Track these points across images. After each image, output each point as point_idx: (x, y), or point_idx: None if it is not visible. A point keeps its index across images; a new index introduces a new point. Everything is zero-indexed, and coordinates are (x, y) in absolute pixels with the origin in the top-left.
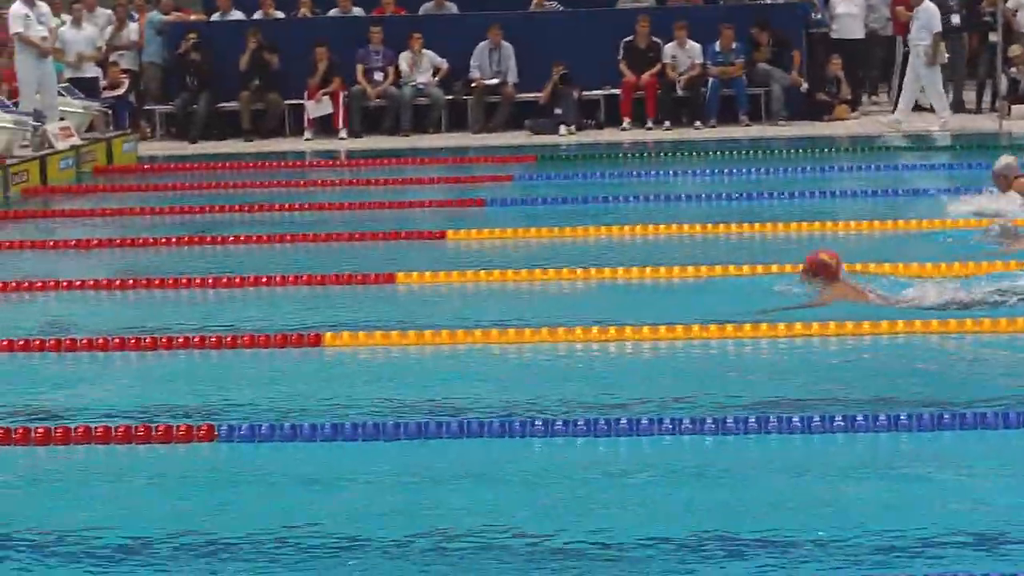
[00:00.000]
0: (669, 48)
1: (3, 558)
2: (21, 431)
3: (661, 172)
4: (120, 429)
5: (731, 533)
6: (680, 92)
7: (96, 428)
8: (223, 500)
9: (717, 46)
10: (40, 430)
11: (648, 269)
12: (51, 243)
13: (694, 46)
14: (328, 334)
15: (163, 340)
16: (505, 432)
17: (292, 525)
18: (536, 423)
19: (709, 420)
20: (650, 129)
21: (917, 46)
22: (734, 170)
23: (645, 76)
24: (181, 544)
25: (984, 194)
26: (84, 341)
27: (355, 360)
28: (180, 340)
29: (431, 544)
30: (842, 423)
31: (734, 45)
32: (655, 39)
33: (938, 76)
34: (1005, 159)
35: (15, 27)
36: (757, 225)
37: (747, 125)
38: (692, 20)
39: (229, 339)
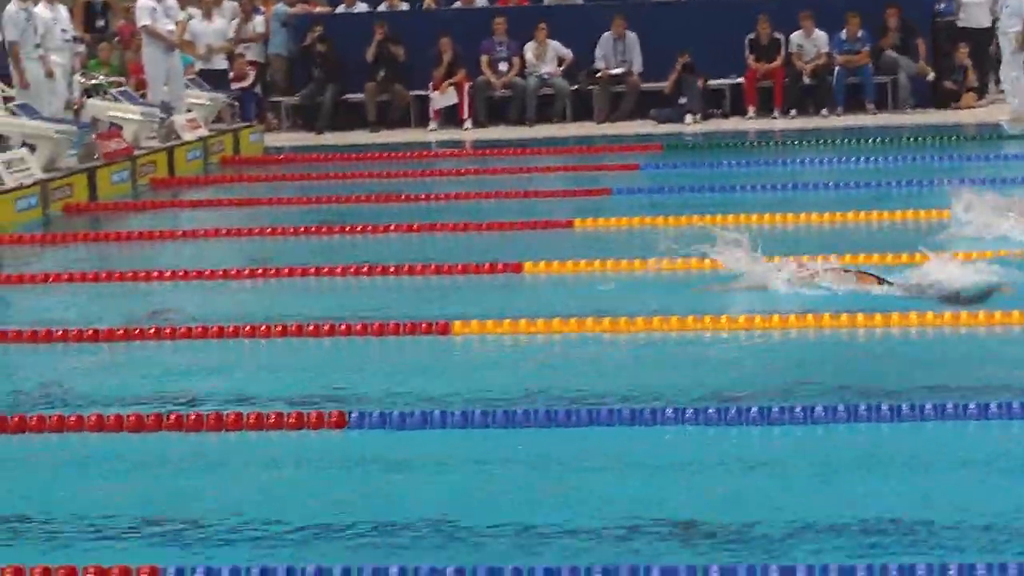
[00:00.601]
0: (795, 37)
1: (147, 541)
2: (153, 417)
3: (787, 161)
4: (252, 416)
5: (873, 520)
6: (806, 81)
7: (228, 415)
8: (354, 487)
9: (843, 34)
10: (172, 417)
11: (776, 258)
12: (179, 233)
13: (820, 35)
14: (457, 322)
15: (292, 328)
16: (635, 420)
17: (423, 512)
18: (667, 411)
19: (840, 408)
20: (776, 118)
21: (1007, 33)
22: (861, 158)
23: (771, 65)
24: (312, 529)
25: None
26: (214, 329)
27: (483, 348)
28: (310, 328)
29: (561, 528)
30: None
31: (860, 33)
32: (776, 35)
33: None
34: None
35: (142, 20)
36: (885, 213)
37: (874, 113)
38: (818, 9)
39: (359, 327)
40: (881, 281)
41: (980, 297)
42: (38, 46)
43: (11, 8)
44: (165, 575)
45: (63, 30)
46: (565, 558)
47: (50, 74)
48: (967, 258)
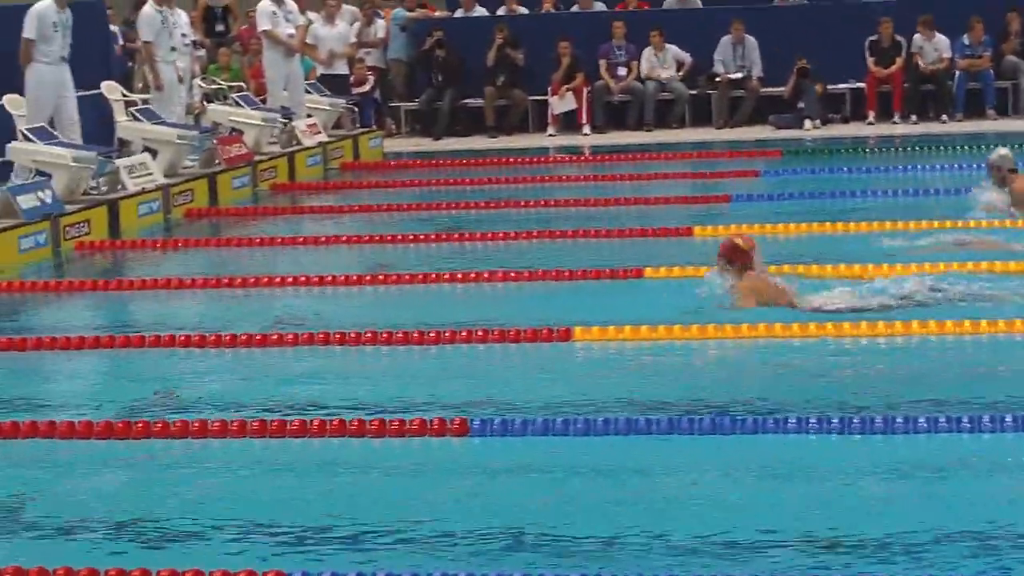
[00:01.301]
0: (917, 39)
1: (269, 546)
2: (277, 423)
3: (907, 166)
4: (374, 423)
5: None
6: (927, 85)
7: (350, 421)
8: (476, 494)
9: (966, 39)
10: (295, 423)
11: (898, 266)
12: (300, 239)
13: (941, 39)
14: (577, 328)
15: (414, 335)
16: (758, 428)
17: (546, 519)
18: (789, 420)
19: (965, 418)
20: (896, 123)
21: None
22: (981, 164)
23: (890, 70)
24: (434, 536)
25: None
26: (336, 336)
27: (605, 354)
28: (431, 335)
29: (692, 538)
30: None
31: (984, 38)
32: (899, 37)
33: None
34: (1000, 151)
35: (263, 24)
36: (1007, 222)
37: (994, 119)
38: (939, 12)
39: (479, 333)
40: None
41: None
42: (174, 49)
43: (148, 10)
44: None
45: (183, 34)
46: (701, 568)
47: (180, 79)
48: None
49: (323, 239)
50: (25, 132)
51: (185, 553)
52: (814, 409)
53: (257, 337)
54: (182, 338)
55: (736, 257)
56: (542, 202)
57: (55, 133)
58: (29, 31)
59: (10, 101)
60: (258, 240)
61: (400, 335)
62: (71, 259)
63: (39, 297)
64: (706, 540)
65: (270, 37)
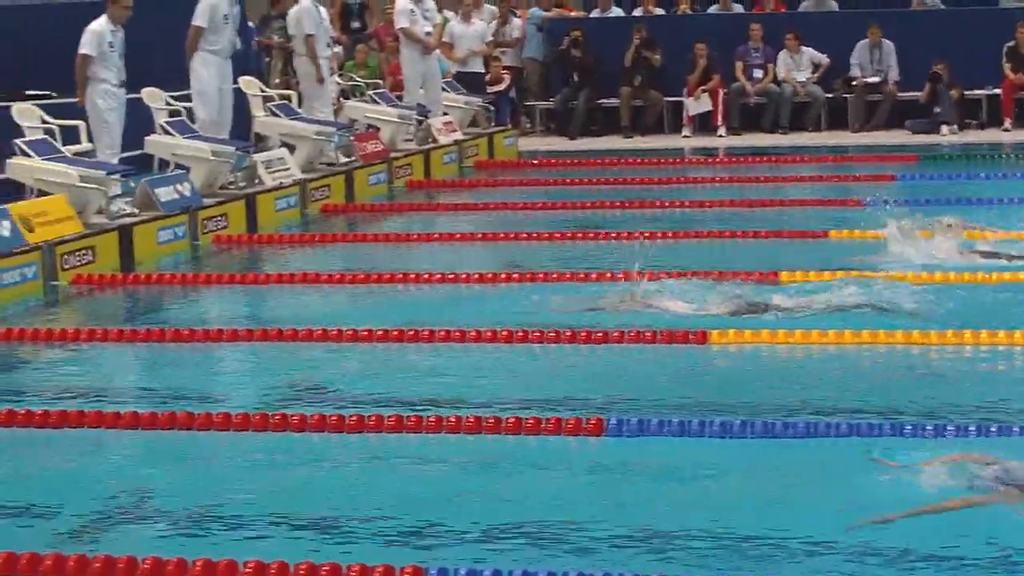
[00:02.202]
0: None
1: (407, 541)
2: (414, 419)
3: None
4: (510, 420)
5: None
6: None
7: (486, 419)
8: (611, 493)
9: None
10: (432, 419)
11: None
12: (435, 236)
13: None
14: (714, 332)
15: (550, 334)
16: (895, 432)
17: (682, 520)
18: (926, 427)
19: None
20: None
21: None
22: None
23: None
24: (568, 535)
25: None
26: (472, 333)
27: (741, 357)
28: (566, 334)
29: (837, 541)
30: None
31: None
32: None
33: None
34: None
35: (400, 22)
36: None
37: None
38: None
39: (616, 334)
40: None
41: None
42: (328, 45)
43: (307, 4)
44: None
45: (326, 30)
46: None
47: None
48: None
49: (457, 236)
50: (164, 125)
51: (322, 546)
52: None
53: (393, 333)
54: (318, 332)
55: None
56: (676, 203)
57: (194, 127)
58: (200, 19)
59: (148, 94)
60: (393, 236)
61: (536, 334)
62: (208, 252)
63: (177, 289)
64: (847, 541)
65: (407, 35)
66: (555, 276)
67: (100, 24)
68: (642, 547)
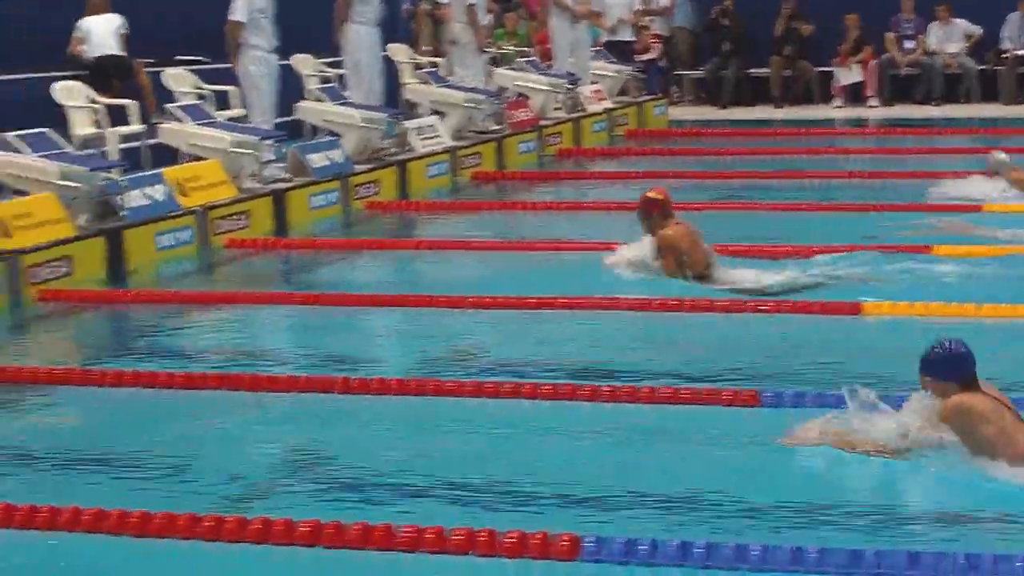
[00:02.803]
0: None
1: (565, 509)
2: (568, 388)
3: None
4: (665, 390)
5: None
6: None
7: (642, 388)
8: (762, 465)
9: None
10: (587, 388)
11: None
12: (585, 204)
13: None
14: (867, 303)
15: (702, 302)
16: None
17: (825, 496)
18: None
19: None
20: None
21: None
22: None
23: None
24: (715, 504)
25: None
26: (623, 302)
27: (895, 330)
28: (720, 303)
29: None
30: None
31: None
32: None
33: None
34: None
35: None
36: None
37: None
38: None
39: (770, 305)
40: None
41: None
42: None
43: None
44: (583, 543)
45: None
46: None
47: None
48: None
49: (606, 205)
50: (315, 91)
51: (478, 512)
52: None
53: (545, 299)
54: (470, 299)
55: (650, 207)
56: (826, 173)
57: (344, 94)
58: None
59: (299, 61)
60: (542, 204)
61: (688, 303)
62: (360, 218)
63: (328, 254)
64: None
65: (557, 3)
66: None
67: None
68: (802, 519)
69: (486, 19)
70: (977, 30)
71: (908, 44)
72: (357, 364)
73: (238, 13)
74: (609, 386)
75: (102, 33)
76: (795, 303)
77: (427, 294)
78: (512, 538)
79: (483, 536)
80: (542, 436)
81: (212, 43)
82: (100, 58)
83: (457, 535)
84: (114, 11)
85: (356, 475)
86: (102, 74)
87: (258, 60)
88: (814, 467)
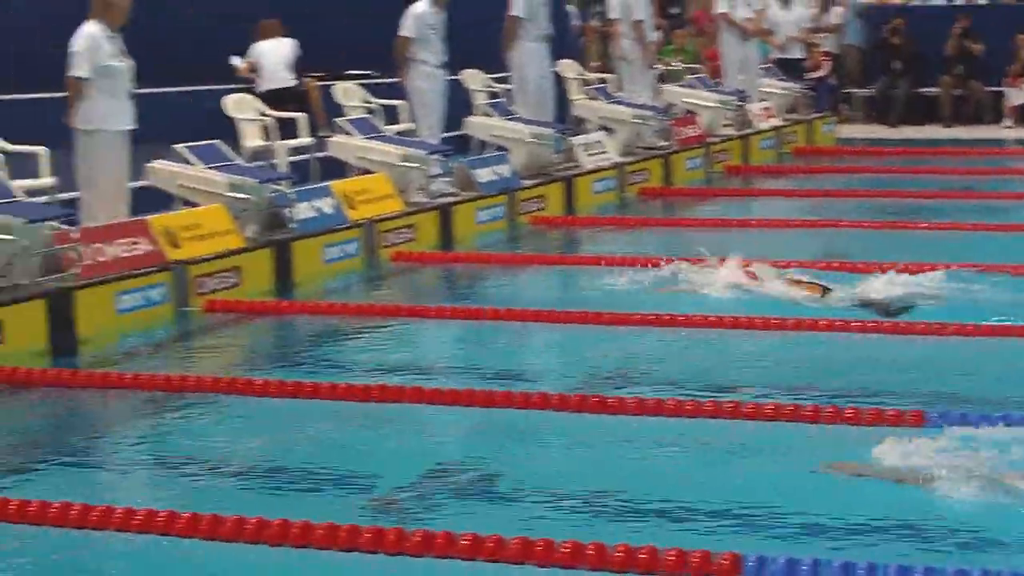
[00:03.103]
0: None
1: (728, 528)
2: (730, 405)
3: None
4: (829, 409)
5: None
6: None
7: (805, 408)
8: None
9: None
10: (770, 407)
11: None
12: (752, 221)
13: None
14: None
15: (869, 324)
16: None
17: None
18: None
19: None
20: None
21: None
22: None
23: None
24: (880, 530)
25: None
26: (791, 322)
27: None
28: (886, 325)
29: None
30: None
31: None
32: None
33: None
34: None
35: (721, 7)
36: None
37: None
38: None
39: (936, 326)
40: (825, 291)
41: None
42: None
43: None
44: (745, 562)
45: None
46: None
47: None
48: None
49: (774, 223)
50: (483, 106)
51: (637, 527)
52: None
53: (710, 318)
54: (636, 317)
55: None
56: (995, 194)
57: (512, 109)
58: (517, 8)
59: (468, 76)
60: (709, 221)
61: (856, 324)
62: (526, 233)
63: (494, 269)
64: None
65: (727, 20)
66: (876, 267)
67: (422, 6)
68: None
69: (655, 35)
70: None
71: None
72: (519, 378)
73: (407, 29)
74: (772, 404)
75: (274, 61)
76: (962, 326)
77: (592, 311)
78: (671, 556)
79: (643, 554)
80: (703, 453)
81: (381, 58)
82: (271, 91)
83: (617, 551)
84: (285, 29)
85: (514, 488)
86: (274, 100)
87: (426, 75)
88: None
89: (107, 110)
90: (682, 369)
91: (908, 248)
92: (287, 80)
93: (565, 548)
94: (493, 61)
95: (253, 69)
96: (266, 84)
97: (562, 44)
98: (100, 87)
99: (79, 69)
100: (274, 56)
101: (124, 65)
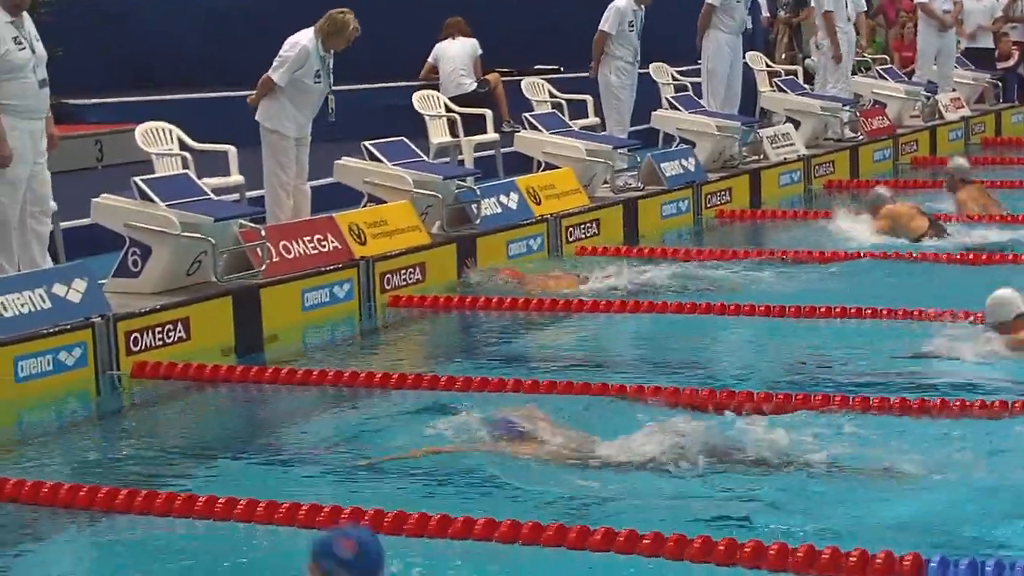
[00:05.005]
0: None
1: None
2: (899, 401)
3: None
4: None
5: None
6: None
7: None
8: None
9: None
10: (959, 402)
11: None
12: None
13: None
14: None
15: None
16: None
17: None
18: None
19: None
20: None
21: None
22: None
23: None
24: None
25: None
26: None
27: None
28: None
29: None
30: None
31: None
32: None
33: None
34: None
35: None
36: None
37: None
38: None
39: None
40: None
41: None
42: (849, 19)
43: None
44: (928, 564)
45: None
46: None
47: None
48: None
49: (953, 217)
50: (670, 99)
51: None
52: None
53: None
54: (837, 310)
55: None
56: None
57: (700, 101)
58: None
59: (656, 69)
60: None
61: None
62: (711, 226)
63: (679, 264)
64: None
65: (926, 11)
66: None
67: (624, 2)
68: None
69: (848, 26)
70: None
71: None
72: (709, 375)
73: (607, 24)
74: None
75: (454, 65)
76: None
77: (786, 304)
78: (854, 557)
79: (826, 554)
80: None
81: (568, 52)
82: (454, 98)
83: (798, 553)
84: (471, 26)
85: (705, 489)
86: (458, 103)
87: (620, 70)
88: None
89: (290, 118)
90: (867, 363)
91: None
92: (466, 86)
93: (748, 547)
94: (681, 54)
95: (434, 71)
96: (446, 91)
97: (751, 36)
98: (290, 97)
99: (278, 75)
100: (454, 59)
101: (321, 87)
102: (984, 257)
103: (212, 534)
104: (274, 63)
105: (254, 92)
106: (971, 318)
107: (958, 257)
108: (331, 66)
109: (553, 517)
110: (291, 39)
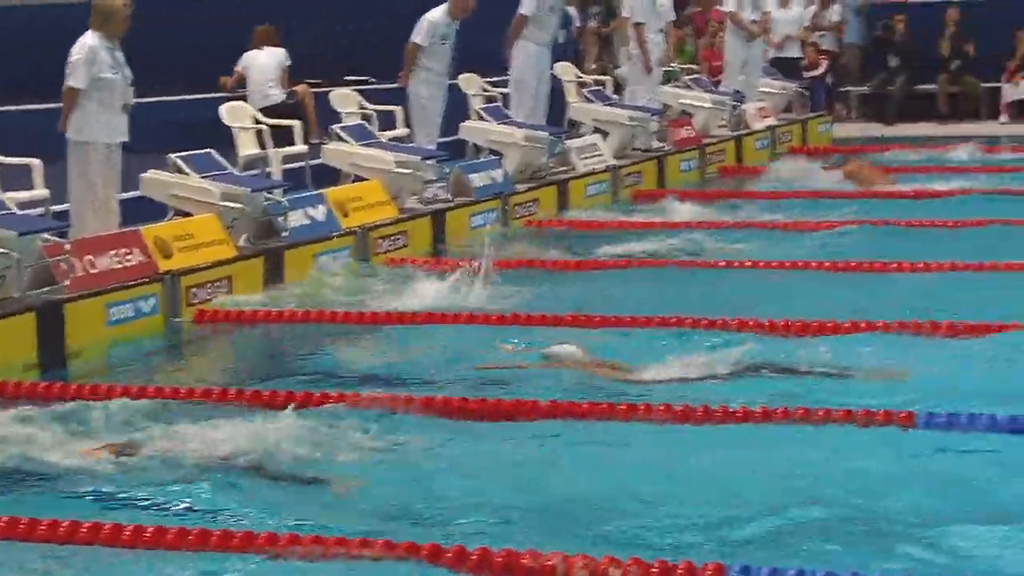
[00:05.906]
0: None
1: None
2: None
3: None
4: None
5: None
6: None
7: None
8: None
9: None
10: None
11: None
12: (740, 223)
13: None
14: None
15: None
16: None
17: None
18: None
19: None
20: None
21: None
22: None
23: None
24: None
25: None
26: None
27: None
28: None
29: None
30: None
31: None
32: None
33: None
34: None
35: (729, 6)
36: None
37: None
38: None
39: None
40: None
41: None
42: (661, 31)
43: None
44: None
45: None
46: None
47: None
48: None
49: (767, 224)
50: (479, 111)
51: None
52: None
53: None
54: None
55: None
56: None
57: (508, 112)
58: (527, 7)
59: (465, 80)
60: (706, 223)
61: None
62: (517, 236)
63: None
64: None
65: (734, 21)
66: (879, 266)
67: (438, 15)
68: None
69: (658, 38)
70: None
71: None
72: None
73: (419, 37)
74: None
75: (263, 73)
76: None
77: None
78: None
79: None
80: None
81: (378, 63)
82: (262, 110)
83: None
84: (280, 35)
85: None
86: (267, 115)
87: (430, 82)
88: None
89: (100, 122)
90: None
91: (903, 246)
92: (274, 97)
93: None
94: (489, 64)
95: (241, 83)
96: (254, 101)
97: (562, 46)
98: (95, 99)
99: (75, 79)
100: (262, 69)
101: (120, 77)
102: None
103: None
104: (67, 72)
105: (60, 104)
106: None
107: None
108: (122, 59)
109: None
110: (74, 46)
